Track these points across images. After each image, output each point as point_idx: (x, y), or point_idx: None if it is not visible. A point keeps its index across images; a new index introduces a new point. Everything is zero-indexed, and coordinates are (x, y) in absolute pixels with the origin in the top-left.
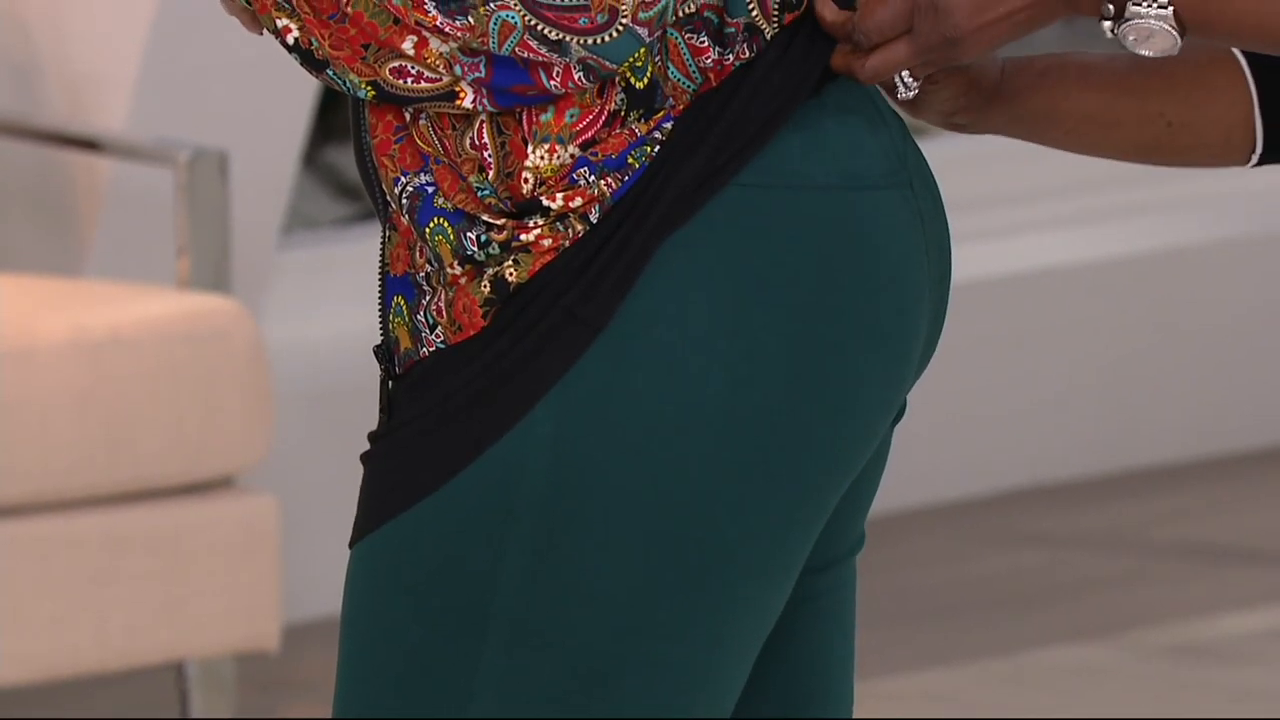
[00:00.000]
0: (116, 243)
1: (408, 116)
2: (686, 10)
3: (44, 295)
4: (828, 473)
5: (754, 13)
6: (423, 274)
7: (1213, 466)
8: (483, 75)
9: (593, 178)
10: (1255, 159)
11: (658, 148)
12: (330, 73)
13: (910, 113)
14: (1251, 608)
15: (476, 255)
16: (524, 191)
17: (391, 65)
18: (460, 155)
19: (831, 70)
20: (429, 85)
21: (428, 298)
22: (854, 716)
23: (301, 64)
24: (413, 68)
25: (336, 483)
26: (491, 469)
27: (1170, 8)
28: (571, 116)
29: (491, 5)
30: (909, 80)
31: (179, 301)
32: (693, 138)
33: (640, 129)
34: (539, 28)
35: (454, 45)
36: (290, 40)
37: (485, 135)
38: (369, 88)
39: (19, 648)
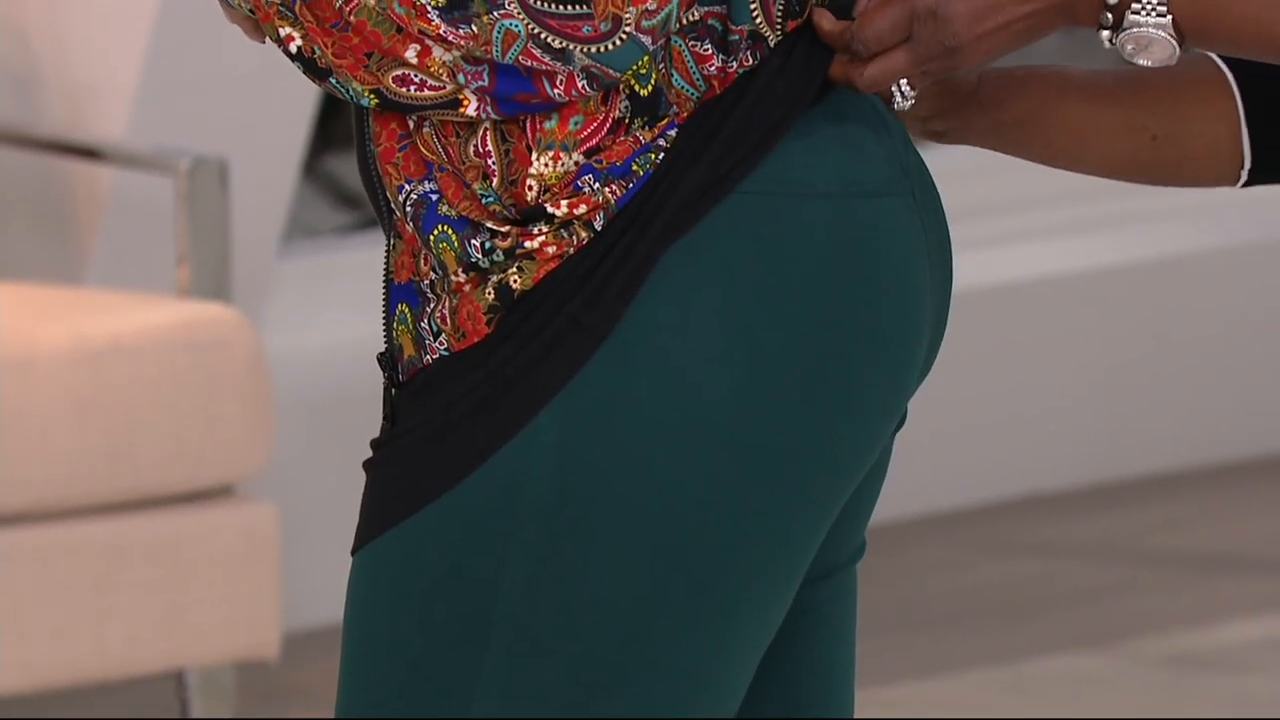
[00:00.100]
0: (117, 251)
1: (411, 124)
2: (690, 18)
3: (44, 304)
4: (831, 479)
5: (758, 20)
6: (427, 281)
7: (1207, 475)
8: (486, 84)
9: (597, 185)
10: (1243, 176)
11: (662, 155)
12: (333, 81)
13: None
14: (1247, 616)
15: (481, 262)
16: (528, 198)
17: (394, 73)
18: (464, 162)
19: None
20: (432, 93)
21: (432, 305)
22: None
23: (304, 72)
24: (416, 76)
25: (337, 491)
26: (495, 476)
27: (1169, 16)
28: (576, 124)
29: (495, 14)
30: (906, 90)
31: (179, 310)
32: (697, 145)
33: (644, 136)
34: (542, 36)
35: (457, 54)
36: (293, 49)
37: (489, 142)
38: (372, 96)
39: (19, 656)
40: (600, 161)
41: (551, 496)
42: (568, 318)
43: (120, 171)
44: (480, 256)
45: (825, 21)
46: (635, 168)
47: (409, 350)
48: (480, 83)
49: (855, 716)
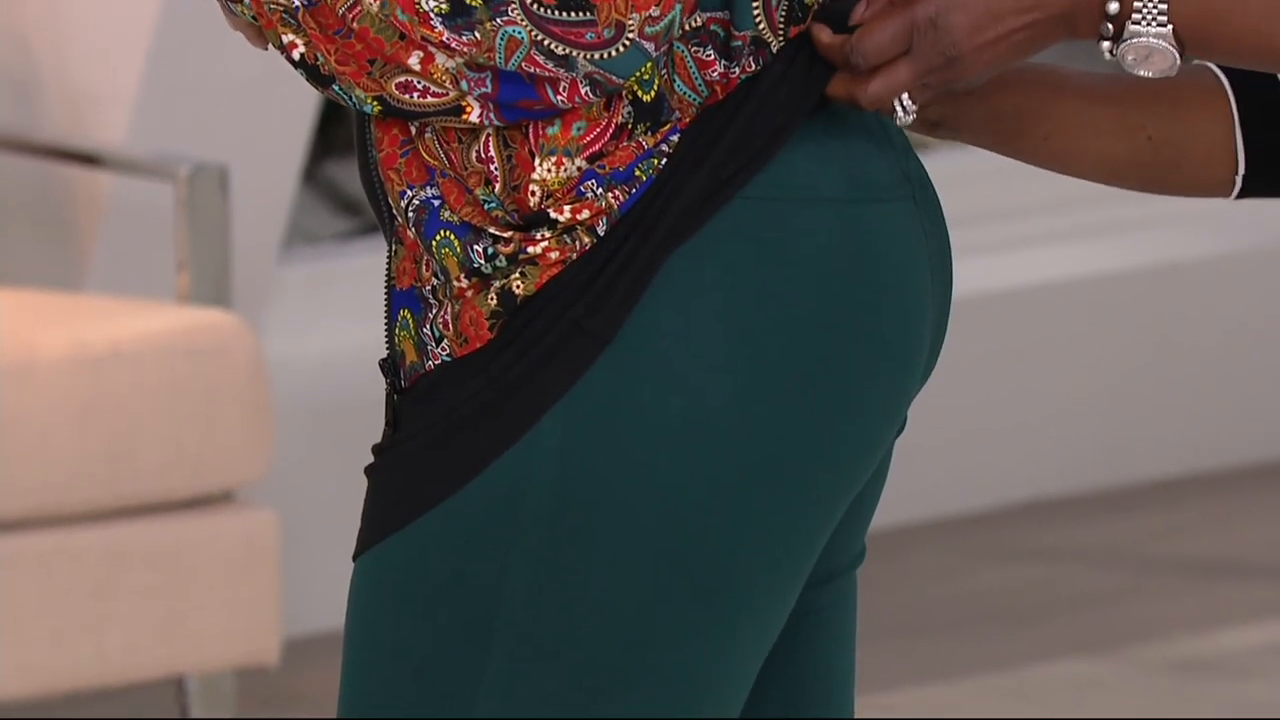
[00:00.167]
0: (117, 257)
1: (413, 130)
2: (692, 24)
3: (44, 310)
4: (833, 484)
5: (760, 26)
6: (429, 287)
7: (1209, 481)
8: (489, 90)
9: (600, 190)
10: (1238, 183)
11: (665, 160)
12: (336, 88)
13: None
14: (1249, 621)
15: (483, 268)
16: (531, 204)
17: (397, 80)
18: (467, 168)
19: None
20: (435, 100)
21: (434, 311)
22: None
23: (307, 79)
24: (419, 83)
25: (337, 497)
26: (497, 481)
27: (1169, 26)
28: (579, 129)
29: (498, 21)
30: (908, 104)
31: (179, 316)
32: (699, 151)
33: (647, 142)
34: (546, 43)
35: (460, 61)
36: (296, 56)
37: (492, 148)
38: (375, 103)
39: (19, 661)
40: (603, 167)
41: (554, 502)
42: (570, 323)
43: (120, 177)
44: (483, 262)
45: (824, 35)
46: (638, 173)
47: (411, 356)
48: (483, 89)
49: None
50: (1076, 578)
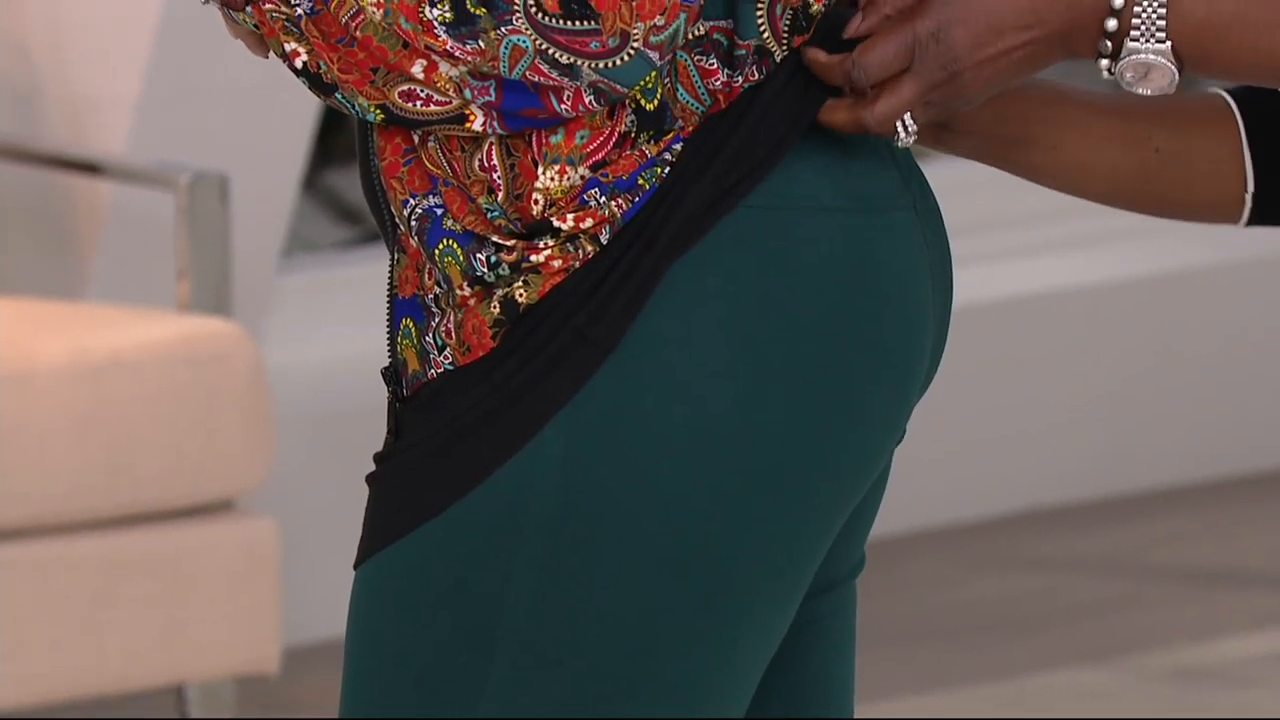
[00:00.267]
0: (117, 266)
1: (416, 139)
2: (696, 33)
3: (44, 318)
4: (834, 492)
5: (765, 35)
6: (431, 296)
7: (1210, 490)
8: (493, 99)
9: (603, 199)
10: (1248, 202)
11: (667, 169)
12: (339, 96)
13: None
14: (1250, 630)
15: (486, 276)
16: (534, 213)
17: (401, 89)
18: (469, 177)
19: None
20: (438, 109)
21: (436, 319)
22: None
23: (310, 88)
24: (422, 91)
25: (337, 506)
26: (500, 490)
27: (1168, 42)
28: (582, 138)
29: (503, 29)
30: (910, 125)
31: (179, 324)
32: (702, 160)
33: (650, 150)
34: (550, 52)
35: (464, 69)
36: (299, 64)
37: (494, 157)
38: (378, 111)
39: (19, 670)
40: (606, 175)
41: (556, 510)
42: (573, 332)
43: (121, 186)
44: (485, 271)
45: (819, 55)
46: (641, 182)
47: (413, 365)
48: (487, 98)
49: None
50: (1077, 586)
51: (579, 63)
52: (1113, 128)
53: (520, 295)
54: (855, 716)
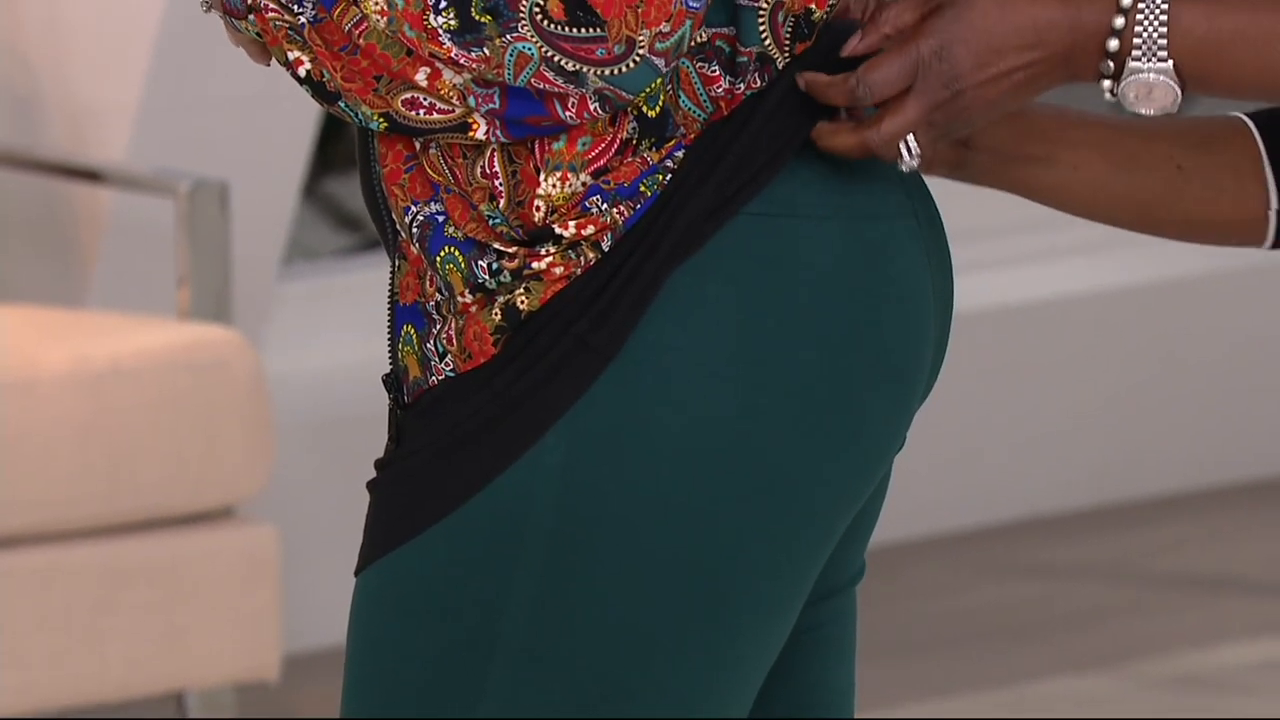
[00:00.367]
0: (117, 273)
1: (418, 146)
2: (698, 39)
3: (45, 326)
4: (835, 500)
5: (767, 42)
6: (433, 303)
7: (1212, 497)
8: (497, 106)
9: (605, 205)
10: (1273, 220)
11: (669, 176)
12: (342, 104)
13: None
14: (1251, 638)
15: (488, 283)
16: (536, 219)
17: (404, 97)
18: (471, 184)
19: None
20: (442, 116)
21: (438, 326)
22: None
23: (313, 96)
24: (425, 99)
25: (337, 513)
26: (501, 497)
27: (1170, 61)
28: (584, 144)
29: (508, 37)
30: (913, 147)
31: (179, 332)
32: (704, 167)
33: (652, 157)
34: (556, 59)
35: (468, 77)
36: (302, 72)
37: (496, 164)
38: (381, 119)
39: (19, 678)
40: (608, 182)
41: (557, 517)
42: (574, 338)
43: (121, 194)
44: (487, 278)
45: (820, 76)
46: (643, 189)
47: (414, 371)
48: (491, 105)
49: None
50: (1077, 594)
51: (584, 70)
52: (1134, 146)
53: (522, 302)
54: None
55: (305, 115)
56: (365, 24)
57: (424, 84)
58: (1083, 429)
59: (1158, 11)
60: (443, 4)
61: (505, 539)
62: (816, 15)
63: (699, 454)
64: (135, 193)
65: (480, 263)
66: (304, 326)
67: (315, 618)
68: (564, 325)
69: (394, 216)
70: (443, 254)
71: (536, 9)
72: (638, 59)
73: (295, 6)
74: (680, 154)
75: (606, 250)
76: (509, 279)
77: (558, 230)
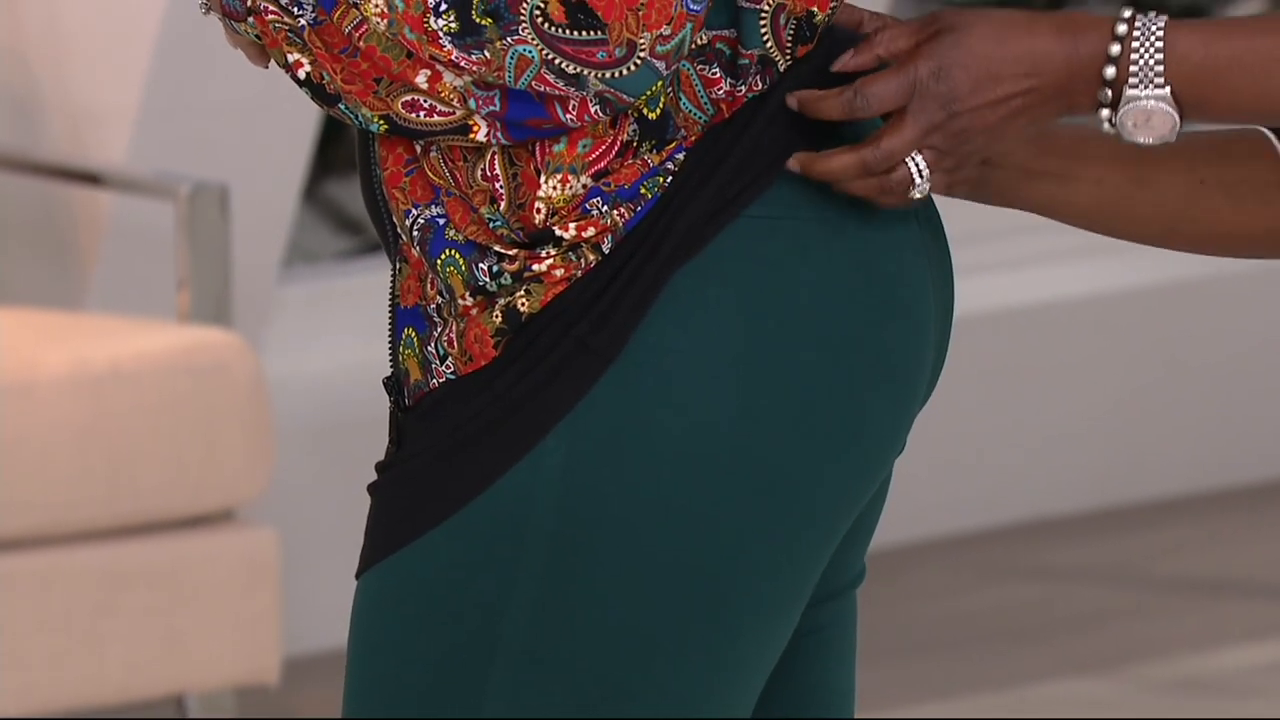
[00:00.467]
0: (117, 276)
1: (418, 149)
2: (699, 42)
3: (45, 329)
4: (836, 502)
5: (768, 44)
6: (433, 306)
7: (1213, 500)
8: (497, 109)
9: (605, 208)
10: None
11: (670, 178)
12: (342, 107)
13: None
14: (1252, 641)
15: (488, 286)
16: (536, 222)
17: (404, 99)
18: (472, 187)
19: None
20: (442, 119)
21: (439, 329)
22: None
23: (313, 98)
24: (426, 101)
25: (337, 516)
26: (501, 499)
27: (1168, 87)
28: (584, 147)
29: (509, 40)
30: (923, 167)
31: (179, 335)
32: (705, 169)
33: (653, 159)
34: (556, 62)
35: (469, 79)
36: (301, 75)
37: (497, 166)
38: (381, 121)
39: (18, 681)
40: (608, 184)
41: (558, 519)
42: (575, 341)
43: (121, 196)
44: (488, 280)
45: (814, 92)
46: (643, 191)
47: (415, 374)
48: (491, 108)
49: None
50: (1078, 597)
51: (585, 73)
52: (1155, 160)
53: (522, 305)
54: None
55: (305, 118)
56: (365, 26)
57: (424, 86)
58: (1084, 432)
59: (1154, 38)
60: (443, 6)
61: (506, 541)
62: (818, 18)
63: (699, 456)
64: (135, 195)
65: (481, 265)
66: (304, 329)
67: (315, 621)
68: (565, 327)
69: (395, 219)
70: (443, 257)
71: (537, 12)
72: (638, 62)
73: (295, 9)
74: (681, 156)
75: (607, 252)
76: (510, 281)
77: (558, 232)
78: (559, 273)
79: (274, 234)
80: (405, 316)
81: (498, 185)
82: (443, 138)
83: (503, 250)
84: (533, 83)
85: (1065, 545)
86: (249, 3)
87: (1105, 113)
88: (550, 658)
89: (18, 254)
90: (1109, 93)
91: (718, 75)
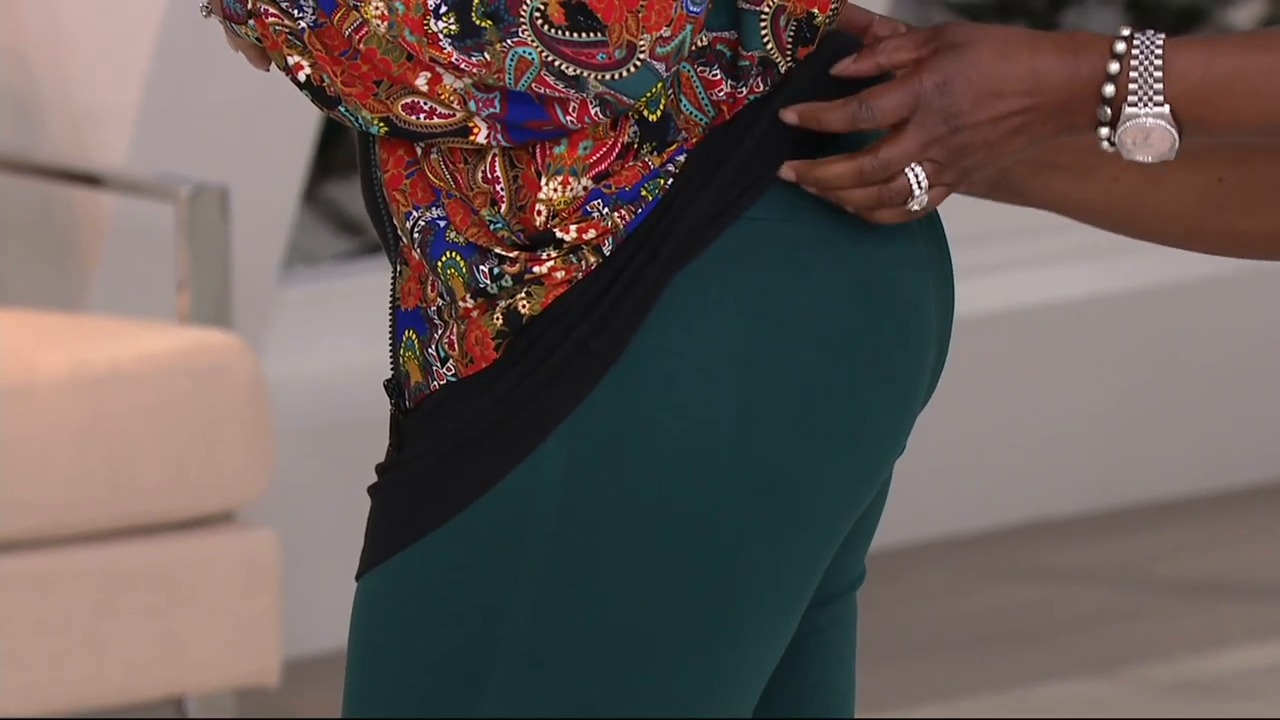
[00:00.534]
0: (117, 278)
1: (419, 151)
2: (699, 43)
3: (45, 330)
4: (836, 505)
5: (769, 46)
6: (434, 308)
7: (1214, 502)
8: (497, 111)
9: (606, 210)
10: None
11: (670, 180)
12: (342, 109)
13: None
14: (1253, 642)
15: (489, 288)
16: (537, 224)
17: (404, 101)
18: (472, 189)
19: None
20: (442, 121)
21: (439, 331)
22: None
23: (313, 100)
24: (426, 104)
25: (337, 517)
26: (502, 501)
27: (1167, 105)
28: (585, 149)
29: (509, 42)
30: (922, 179)
31: (180, 336)
32: (706, 171)
33: (653, 161)
34: (556, 64)
35: (469, 81)
36: (302, 77)
37: (498, 168)
38: (381, 124)
39: (18, 682)
40: (609, 186)
41: (558, 521)
42: (576, 343)
43: (121, 198)
44: (488, 282)
45: (815, 105)
46: (644, 193)
47: (416, 376)
48: (492, 110)
49: None
50: (1078, 598)
51: (585, 74)
52: (1174, 160)
53: (523, 307)
54: None
55: (306, 120)
56: (365, 29)
57: (424, 89)
58: (1084, 433)
59: (1153, 56)
60: (443, 9)
61: (507, 543)
62: (819, 20)
63: (700, 457)
64: (135, 197)
65: (481, 267)
66: (304, 331)
67: (315, 622)
68: (565, 329)
69: (395, 221)
70: (444, 259)
71: (537, 14)
72: (638, 63)
73: (295, 11)
74: (682, 158)
75: (608, 254)
76: (510, 283)
77: (559, 234)
78: (560, 275)
79: (274, 235)
80: (406, 319)
81: (498, 187)
82: (443, 140)
83: (503, 252)
84: (533, 85)
85: (1066, 546)
86: (249, 5)
87: (1104, 131)
88: (551, 659)
89: (18, 255)
90: (1108, 111)
91: (718, 77)
